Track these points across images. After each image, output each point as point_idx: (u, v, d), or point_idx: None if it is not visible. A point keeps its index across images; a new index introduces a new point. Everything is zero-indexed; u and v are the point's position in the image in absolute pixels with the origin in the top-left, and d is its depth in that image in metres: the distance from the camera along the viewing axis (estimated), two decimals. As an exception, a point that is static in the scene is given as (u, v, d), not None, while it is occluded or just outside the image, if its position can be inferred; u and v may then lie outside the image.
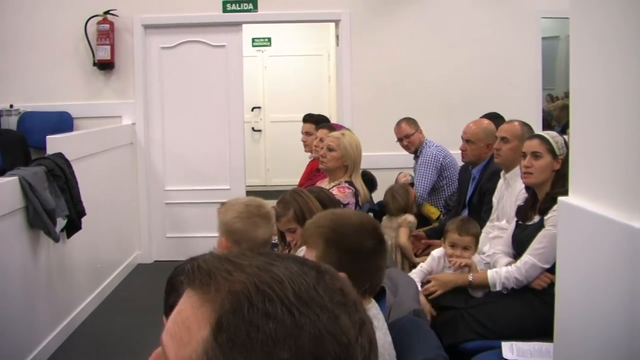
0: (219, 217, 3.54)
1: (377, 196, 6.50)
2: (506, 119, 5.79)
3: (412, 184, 6.69)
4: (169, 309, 2.20)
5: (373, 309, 2.50)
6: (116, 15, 8.05)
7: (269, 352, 0.95)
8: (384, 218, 5.95)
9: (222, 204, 3.64)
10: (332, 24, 8.85)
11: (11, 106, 8.14)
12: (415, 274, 4.63)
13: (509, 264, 4.35)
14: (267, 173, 12.56)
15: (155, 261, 8.33)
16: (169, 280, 2.41)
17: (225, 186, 8.34)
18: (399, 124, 6.91)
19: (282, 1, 8.11)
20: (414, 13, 8.10)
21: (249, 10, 8.12)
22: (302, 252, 3.68)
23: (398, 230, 5.72)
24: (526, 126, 5.09)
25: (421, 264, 4.80)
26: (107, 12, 8.00)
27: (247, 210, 3.48)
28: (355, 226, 2.58)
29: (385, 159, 7.54)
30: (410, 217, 5.78)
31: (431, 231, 5.97)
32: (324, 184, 5.48)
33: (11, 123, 8.11)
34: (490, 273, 4.29)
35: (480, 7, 8.09)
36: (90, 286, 6.70)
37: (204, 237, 7.90)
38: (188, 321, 1.02)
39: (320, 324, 0.98)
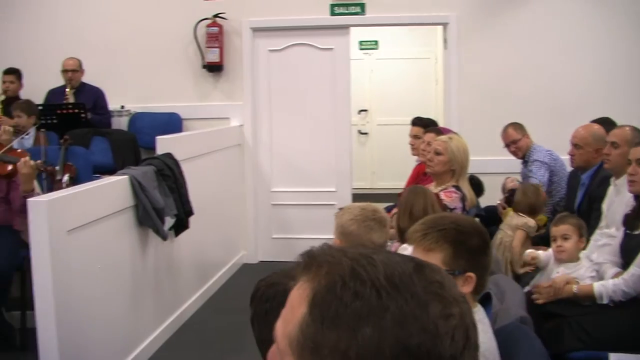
0: (335, 220, 3.60)
1: (484, 201, 6.42)
2: (618, 124, 5.64)
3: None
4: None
5: (479, 313, 2.50)
6: (225, 19, 8.18)
7: (353, 329, 1.00)
8: (510, 213, 5.86)
9: (341, 208, 3.71)
10: (440, 27, 8.77)
11: (122, 107, 8.39)
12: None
13: (617, 274, 4.23)
14: (373, 176, 12.53)
15: (261, 261, 8.42)
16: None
17: (331, 188, 8.36)
18: (505, 129, 6.81)
19: (390, 4, 8.06)
20: (523, 15, 7.94)
21: (356, 14, 8.12)
22: (405, 250, 3.72)
23: (515, 232, 5.63)
24: (637, 132, 4.94)
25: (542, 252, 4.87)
26: (216, 16, 8.13)
27: (362, 214, 3.52)
28: (473, 225, 2.70)
29: (493, 164, 7.43)
30: (530, 222, 5.67)
31: (537, 238, 5.85)
32: (431, 187, 5.44)
33: (122, 123, 8.36)
34: (596, 286, 4.18)
35: (591, 9, 7.88)
36: (196, 284, 6.82)
37: (309, 238, 7.93)
38: (292, 300, 1.10)
39: (406, 308, 1.01)
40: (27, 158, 5.46)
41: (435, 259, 2.51)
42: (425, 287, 1.04)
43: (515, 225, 5.64)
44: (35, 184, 6.11)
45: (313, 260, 1.10)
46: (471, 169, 5.70)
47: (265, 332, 2.35)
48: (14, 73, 8.04)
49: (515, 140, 6.70)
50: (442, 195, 5.10)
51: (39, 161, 5.57)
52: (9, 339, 5.68)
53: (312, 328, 1.03)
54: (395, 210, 5.57)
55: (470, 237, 2.61)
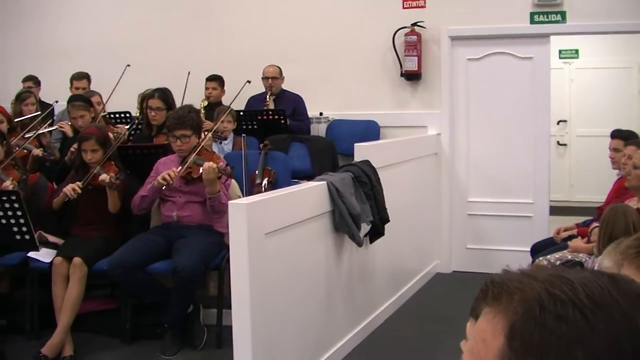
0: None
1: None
2: None
3: None
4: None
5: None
6: (424, 27, 8.17)
7: (564, 355, 0.95)
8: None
9: None
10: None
11: (321, 114, 8.57)
12: None
13: None
14: (571, 189, 12.18)
15: (454, 271, 8.36)
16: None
17: (528, 200, 8.18)
18: None
19: (592, 12, 7.74)
20: None
21: (557, 22, 7.88)
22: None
23: None
24: None
25: None
26: (415, 24, 8.15)
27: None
28: None
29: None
30: None
31: None
32: (632, 203, 5.23)
33: (320, 130, 8.54)
34: None
35: None
36: (388, 292, 6.84)
37: (505, 250, 7.85)
38: (483, 334, 1.05)
39: (615, 326, 0.96)
40: (211, 163, 5.65)
41: None
42: (627, 302, 0.99)
43: None
44: (236, 186, 6.34)
45: (501, 289, 1.04)
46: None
47: None
48: (217, 80, 8.39)
49: None
50: (641, 211, 4.91)
51: (221, 164, 5.71)
52: (195, 340, 5.91)
53: None
54: (594, 224, 5.40)
55: None
